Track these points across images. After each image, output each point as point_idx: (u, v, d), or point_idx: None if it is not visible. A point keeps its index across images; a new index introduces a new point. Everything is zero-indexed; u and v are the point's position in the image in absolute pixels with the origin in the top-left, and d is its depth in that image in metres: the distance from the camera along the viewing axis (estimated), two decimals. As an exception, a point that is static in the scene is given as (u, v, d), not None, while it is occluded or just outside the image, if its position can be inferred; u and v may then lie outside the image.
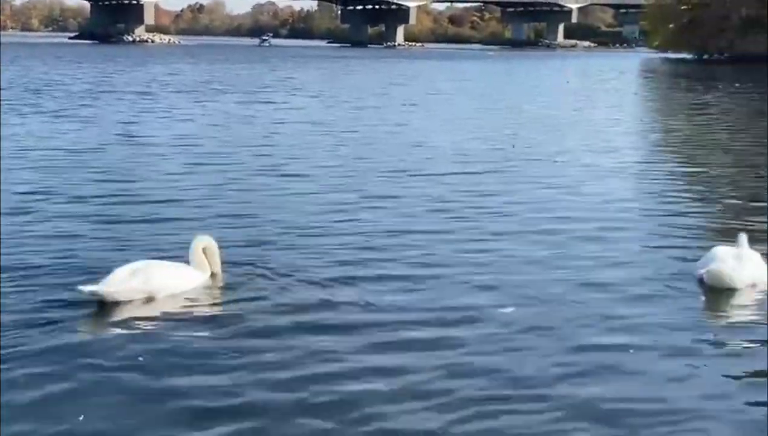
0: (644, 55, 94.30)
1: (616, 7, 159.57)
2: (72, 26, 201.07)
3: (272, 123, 21.11)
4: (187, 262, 7.30)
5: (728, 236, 8.49)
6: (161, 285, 6.83)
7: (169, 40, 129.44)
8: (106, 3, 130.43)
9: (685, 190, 12.69)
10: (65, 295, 6.77)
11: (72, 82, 34.61)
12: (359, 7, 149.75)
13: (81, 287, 6.57)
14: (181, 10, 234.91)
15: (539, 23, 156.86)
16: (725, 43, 77.95)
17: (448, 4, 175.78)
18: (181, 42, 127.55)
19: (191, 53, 79.95)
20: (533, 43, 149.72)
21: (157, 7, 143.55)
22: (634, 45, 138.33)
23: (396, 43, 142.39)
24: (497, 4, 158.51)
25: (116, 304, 6.65)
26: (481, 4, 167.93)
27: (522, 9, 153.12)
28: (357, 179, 12.85)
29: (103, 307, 6.60)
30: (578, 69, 63.69)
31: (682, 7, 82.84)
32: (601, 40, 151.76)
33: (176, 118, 21.61)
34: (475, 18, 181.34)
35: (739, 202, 11.74)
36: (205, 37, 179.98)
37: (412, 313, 6.67)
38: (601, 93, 36.40)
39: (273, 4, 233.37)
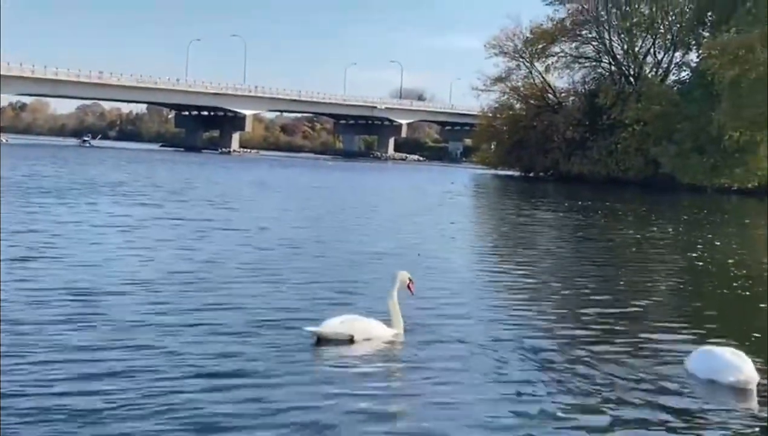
0: (472, 170, 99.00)
1: (442, 124, 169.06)
2: None
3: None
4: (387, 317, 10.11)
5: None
6: (361, 333, 9.71)
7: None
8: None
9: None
10: (291, 333, 9.76)
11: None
12: (194, 113, 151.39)
13: (307, 328, 9.55)
14: (1, 108, 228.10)
15: (370, 136, 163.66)
16: (550, 163, 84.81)
17: (278, 113, 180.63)
18: (9, 141, 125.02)
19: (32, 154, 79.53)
20: (365, 154, 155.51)
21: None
22: (458, 160, 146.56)
23: (231, 149, 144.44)
24: (330, 115, 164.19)
25: (329, 340, 9.57)
26: (313, 115, 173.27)
27: (354, 122, 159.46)
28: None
29: (320, 342, 9.57)
30: (421, 181, 67.94)
31: (510, 128, 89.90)
32: (428, 155, 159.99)
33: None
34: (306, 128, 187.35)
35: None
36: (28, 137, 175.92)
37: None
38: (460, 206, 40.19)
39: (99, 105, 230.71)
